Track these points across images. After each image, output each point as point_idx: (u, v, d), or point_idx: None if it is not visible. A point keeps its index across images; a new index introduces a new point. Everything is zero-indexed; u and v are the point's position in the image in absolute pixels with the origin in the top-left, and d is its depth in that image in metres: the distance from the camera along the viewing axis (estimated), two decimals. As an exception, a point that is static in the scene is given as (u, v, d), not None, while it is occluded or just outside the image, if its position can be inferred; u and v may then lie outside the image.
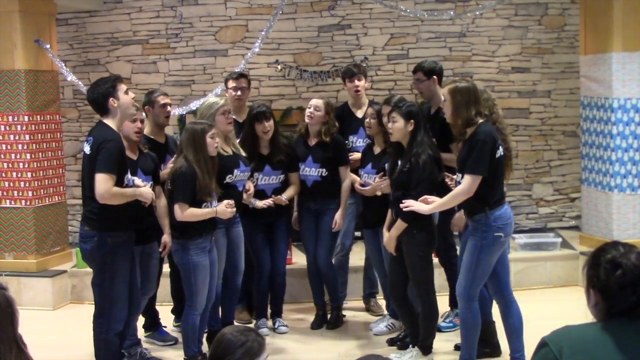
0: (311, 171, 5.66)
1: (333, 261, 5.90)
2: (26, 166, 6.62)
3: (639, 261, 2.15)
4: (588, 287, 2.21)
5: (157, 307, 5.65)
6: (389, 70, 7.65)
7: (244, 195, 5.34)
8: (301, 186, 5.73)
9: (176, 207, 4.75)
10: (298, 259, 6.58)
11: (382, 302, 6.09)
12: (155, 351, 5.37)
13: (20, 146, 6.61)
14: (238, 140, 5.53)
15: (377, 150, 5.46)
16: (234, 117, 5.50)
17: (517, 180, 7.64)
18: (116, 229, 4.47)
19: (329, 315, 5.91)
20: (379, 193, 5.28)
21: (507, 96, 7.65)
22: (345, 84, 6.08)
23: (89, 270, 4.72)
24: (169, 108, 5.56)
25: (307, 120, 5.69)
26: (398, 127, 4.80)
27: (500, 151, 4.45)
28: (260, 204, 5.47)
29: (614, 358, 2.09)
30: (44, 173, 6.76)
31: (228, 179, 5.18)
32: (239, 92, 5.97)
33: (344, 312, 6.00)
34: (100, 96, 4.46)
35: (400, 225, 4.78)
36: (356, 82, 5.92)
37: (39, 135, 6.71)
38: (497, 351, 4.98)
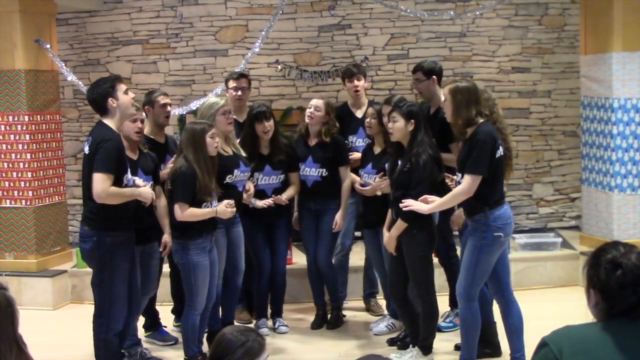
0: (311, 171, 5.66)
1: (333, 261, 5.90)
2: (26, 166, 6.62)
3: (639, 261, 2.15)
4: (588, 287, 2.21)
5: (157, 307, 5.65)
6: (389, 70, 7.65)
7: (244, 195, 5.34)
8: (301, 186, 5.73)
9: (176, 207, 4.75)
10: (298, 259, 6.58)
11: (382, 302, 6.09)
12: (156, 351, 5.37)
13: (20, 146, 6.61)
14: (238, 140, 5.53)
15: (377, 150, 5.46)
16: (234, 117, 5.50)
17: (517, 180, 7.64)
18: (115, 229, 4.47)
19: (329, 315, 5.91)
20: (379, 193, 5.28)
21: (507, 96, 7.65)
22: (344, 84, 6.08)
23: (89, 270, 4.72)
24: (169, 108, 5.56)
25: (307, 120, 5.69)
26: (398, 127, 4.80)
27: (500, 151, 4.45)
28: (261, 203, 5.47)
29: (614, 358, 2.09)
30: (44, 173, 6.76)
31: (228, 179, 5.18)
32: (239, 92, 5.98)
33: (344, 312, 6.00)
34: (99, 96, 4.47)
35: (400, 225, 4.78)
36: (355, 82, 5.92)
37: (39, 135, 6.71)
38: (497, 351, 4.98)
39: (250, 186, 5.40)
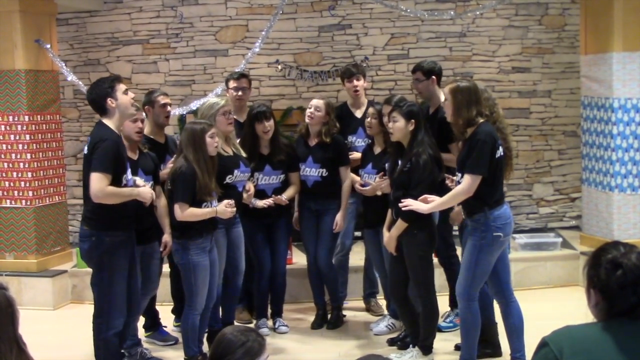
0: (311, 171, 5.66)
1: (333, 261, 5.90)
2: (26, 166, 6.62)
3: (639, 261, 2.15)
4: (588, 287, 2.21)
5: (157, 307, 5.65)
6: (390, 70, 7.65)
7: (244, 196, 5.34)
8: (302, 186, 5.73)
9: (176, 207, 4.75)
10: (298, 259, 6.58)
11: (382, 302, 6.09)
12: (156, 351, 5.37)
13: (20, 146, 6.61)
14: (238, 140, 5.53)
15: (377, 150, 5.46)
16: (234, 117, 5.50)
17: (517, 180, 7.63)
18: (114, 229, 4.46)
19: (329, 315, 5.91)
20: (379, 193, 5.28)
21: (507, 96, 7.65)
22: (344, 84, 6.08)
23: (90, 270, 4.72)
24: (169, 108, 5.56)
25: (307, 120, 5.69)
26: (399, 126, 4.80)
27: (500, 151, 4.45)
28: (261, 203, 5.47)
29: (614, 358, 2.09)
30: (44, 173, 6.76)
31: (228, 179, 5.18)
32: (240, 92, 5.98)
33: (344, 312, 6.00)
34: (98, 97, 4.47)
35: (400, 225, 4.78)
36: (355, 82, 5.92)
37: (40, 135, 6.71)
38: (498, 352, 4.98)
39: (250, 186, 5.40)
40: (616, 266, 2.14)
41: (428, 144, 4.79)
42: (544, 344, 2.17)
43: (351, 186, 5.64)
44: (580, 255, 6.68)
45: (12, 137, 6.61)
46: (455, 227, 5.53)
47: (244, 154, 5.40)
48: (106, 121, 4.47)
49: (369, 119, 5.42)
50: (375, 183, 5.31)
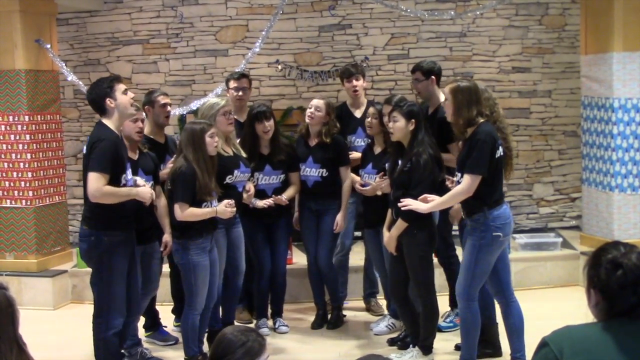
0: (312, 171, 5.66)
1: (333, 261, 5.90)
2: (27, 166, 6.62)
3: (639, 261, 2.15)
4: (589, 287, 2.21)
5: (157, 307, 5.65)
6: (390, 70, 7.65)
7: (244, 196, 5.34)
8: (302, 186, 5.73)
9: (176, 207, 4.75)
10: (298, 258, 6.58)
11: (382, 302, 6.09)
12: (156, 351, 5.38)
13: (20, 146, 6.61)
14: (238, 140, 5.53)
15: (377, 150, 5.46)
16: (235, 117, 5.50)
17: (517, 180, 7.63)
18: (113, 229, 4.46)
19: (329, 315, 5.91)
20: (379, 193, 5.28)
21: (507, 96, 7.65)
22: (343, 84, 6.08)
23: (90, 270, 4.71)
24: (169, 108, 5.56)
25: (307, 120, 5.69)
26: (399, 126, 4.80)
27: (500, 151, 4.45)
28: (261, 203, 5.47)
29: (614, 358, 2.08)
30: (44, 173, 6.76)
31: (228, 179, 5.18)
32: (240, 93, 5.98)
33: (344, 312, 6.00)
34: (97, 97, 4.47)
35: (400, 225, 4.78)
36: (354, 82, 5.92)
37: (40, 135, 6.71)
38: (498, 352, 4.98)
39: (250, 186, 5.40)
40: (616, 266, 2.14)
41: (428, 144, 4.79)
42: (544, 344, 2.16)
43: (351, 186, 5.64)
44: (581, 255, 6.68)
45: (12, 137, 6.61)
46: (455, 227, 5.53)
47: (244, 154, 5.40)
48: (106, 121, 4.47)
49: (369, 119, 5.41)
50: (375, 183, 5.30)
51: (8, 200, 6.68)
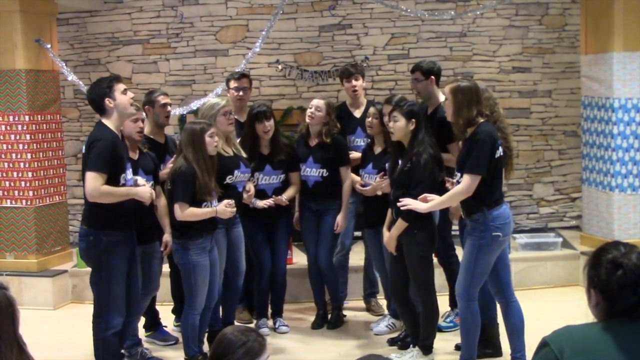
0: (312, 172, 5.66)
1: (333, 261, 5.90)
2: (27, 166, 6.62)
3: (639, 261, 2.15)
4: (589, 287, 2.21)
5: (157, 307, 5.66)
6: (390, 70, 7.65)
7: (245, 196, 5.34)
8: (302, 186, 5.73)
9: (176, 207, 4.75)
10: (298, 258, 6.58)
11: (382, 302, 6.09)
12: (156, 351, 5.38)
13: (21, 146, 6.61)
14: (238, 140, 5.53)
15: (377, 150, 5.46)
16: (235, 117, 5.50)
17: (517, 180, 7.63)
18: (112, 228, 4.46)
19: (329, 315, 5.91)
20: (379, 193, 5.28)
21: (507, 96, 7.65)
22: (342, 84, 6.09)
23: (90, 269, 4.71)
24: (169, 108, 5.57)
25: (308, 120, 5.70)
26: (399, 126, 4.80)
27: (500, 151, 4.45)
28: (261, 204, 5.47)
29: (614, 358, 2.08)
30: (44, 173, 6.76)
31: (228, 179, 5.18)
32: (240, 93, 5.98)
33: (344, 312, 6.00)
34: (97, 97, 4.48)
35: (400, 224, 4.78)
36: (353, 82, 5.92)
37: (40, 135, 6.71)
38: (498, 352, 4.98)
39: (250, 187, 5.40)
40: (616, 266, 2.14)
41: (429, 144, 4.79)
42: (544, 344, 2.16)
43: (352, 186, 5.64)
44: (581, 255, 6.68)
45: (12, 137, 6.61)
46: (455, 227, 5.53)
47: (244, 155, 5.40)
48: (105, 121, 4.48)
49: (369, 119, 5.41)
50: (375, 183, 5.30)
51: (8, 200, 6.68)
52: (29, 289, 6.54)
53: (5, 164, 6.65)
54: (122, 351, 4.90)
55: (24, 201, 6.65)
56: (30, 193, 6.63)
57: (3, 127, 6.62)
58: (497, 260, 4.53)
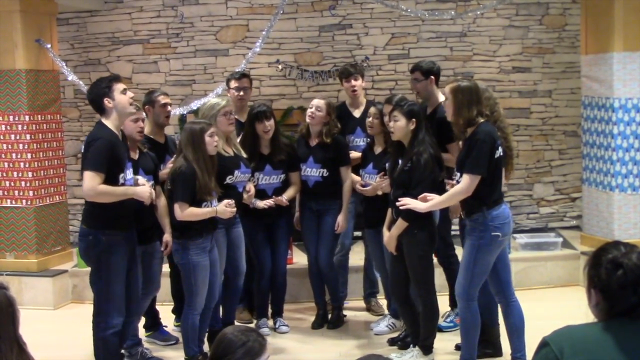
0: (312, 172, 5.66)
1: (333, 261, 5.90)
2: (27, 166, 6.62)
3: (640, 261, 2.16)
4: (589, 287, 2.21)
5: (158, 307, 5.66)
6: (390, 70, 7.65)
7: (245, 196, 5.34)
8: (302, 186, 5.73)
9: (176, 207, 4.75)
10: (299, 258, 6.58)
11: (382, 302, 6.09)
12: (157, 351, 5.38)
13: (21, 146, 6.61)
14: (238, 140, 5.53)
15: (377, 150, 5.46)
16: (236, 117, 5.50)
17: (518, 180, 7.63)
18: (111, 228, 4.45)
19: (329, 315, 5.91)
20: (379, 192, 5.28)
21: (508, 96, 7.65)
22: (342, 84, 6.09)
23: (90, 269, 4.71)
24: (169, 108, 5.57)
25: (308, 120, 5.70)
26: (399, 125, 4.80)
27: (499, 151, 4.45)
28: (261, 204, 5.47)
29: (615, 358, 2.08)
30: (44, 173, 6.76)
31: (228, 179, 5.18)
32: (241, 92, 5.98)
33: (344, 312, 6.00)
34: (96, 97, 4.48)
35: (401, 224, 4.78)
36: (353, 82, 5.92)
37: (40, 134, 6.71)
38: (498, 352, 4.98)
39: (250, 187, 5.40)
40: (617, 266, 2.14)
41: (429, 143, 4.79)
42: (544, 344, 2.16)
43: (352, 186, 5.64)
44: (581, 255, 6.68)
45: (12, 136, 6.61)
46: (455, 227, 5.53)
47: (244, 155, 5.40)
48: (105, 121, 4.48)
49: (370, 119, 5.41)
50: (375, 183, 5.30)
51: (8, 200, 6.68)
52: (29, 289, 6.55)
53: (6, 164, 6.65)
54: (122, 351, 4.90)
55: (24, 201, 6.65)
56: (31, 193, 6.63)
57: (3, 127, 6.62)
58: (497, 260, 4.53)
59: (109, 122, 4.47)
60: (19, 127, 6.59)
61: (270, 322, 5.81)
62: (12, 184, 6.65)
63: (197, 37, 7.65)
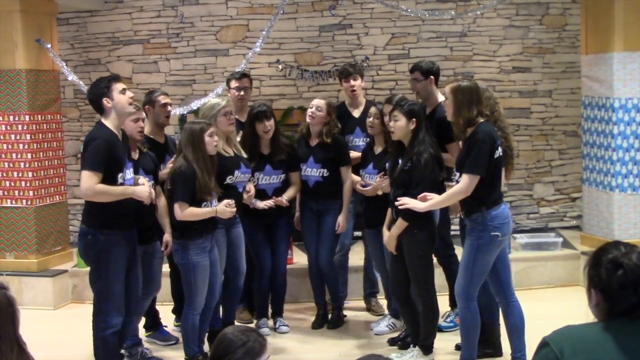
0: (312, 171, 5.66)
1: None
2: (27, 166, 6.62)
3: (640, 261, 2.16)
4: (589, 287, 2.21)
5: (158, 307, 5.66)
6: (390, 70, 7.64)
7: (245, 196, 5.34)
8: (303, 186, 5.73)
9: (176, 207, 4.75)
10: (299, 258, 6.58)
11: (383, 302, 6.09)
12: (157, 351, 5.38)
13: (21, 146, 6.61)
14: (239, 139, 5.53)
15: (378, 150, 5.46)
16: (236, 117, 5.50)
17: (518, 180, 7.63)
18: (110, 227, 4.45)
19: (329, 315, 5.91)
20: (380, 192, 5.28)
21: (508, 96, 7.64)
22: (341, 84, 6.09)
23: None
24: (169, 108, 5.56)
25: (308, 120, 5.70)
26: (400, 125, 4.80)
27: (499, 151, 4.45)
28: (261, 205, 5.47)
29: (615, 358, 2.08)
30: (45, 173, 6.76)
31: (229, 179, 5.18)
32: (241, 92, 5.98)
33: (344, 312, 6.00)
34: (95, 96, 4.49)
35: (401, 224, 4.78)
36: (352, 82, 5.92)
37: (40, 134, 6.71)
38: (498, 352, 4.98)
39: (250, 187, 5.40)
40: (617, 266, 2.14)
41: (429, 143, 4.79)
42: (544, 344, 2.16)
43: (352, 186, 5.63)
44: (581, 255, 6.68)
45: (12, 136, 6.61)
46: (455, 227, 5.53)
47: (245, 155, 5.40)
48: (105, 121, 4.48)
49: (371, 119, 5.41)
50: (376, 183, 5.30)
51: (8, 200, 6.68)
52: (29, 288, 6.55)
53: (6, 164, 6.65)
54: (122, 351, 4.91)
55: (24, 201, 6.65)
56: (31, 193, 6.63)
57: (3, 127, 6.62)
58: (497, 260, 4.53)
59: (109, 122, 4.47)
60: (19, 127, 6.59)
61: (271, 322, 5.81)
62: (12, 184, 6.65)
63: (197, 37, 7.65)
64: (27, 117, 6.58)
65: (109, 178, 4.38)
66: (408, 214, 4.67)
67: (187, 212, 4.74)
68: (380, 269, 5.65)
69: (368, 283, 6.23)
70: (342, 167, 5.66)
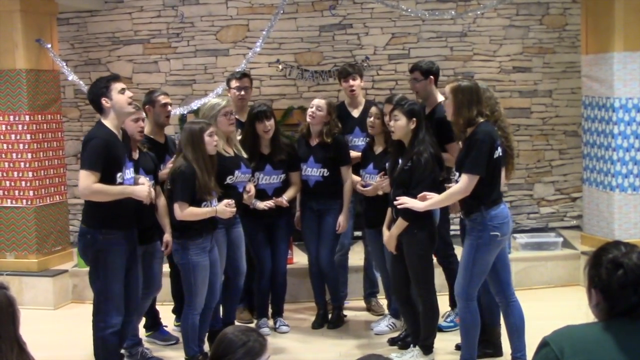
0: (313, 171, 5.66)
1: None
2: (27, 166, 6.62)
3: (640, 261, 2.15)
4: (589, 287, 2.21)
5: (158, 307, 5.66)
6: (390, 69, 7.64)
7: (245, 196, 5.34)
8: (303, 186, 5.73)
9: (176, 206, 4.75)
10: (299, 258, 6.58)
11: (383, 302, 6.09)
12: (157, 351, 5.38)
13: (21, 146, 6.61)
14: (239, 139, 5.53)
15: (378, 149, 5.45)
16: (236, 117, 5.50)
17: (518, 179, 7.63)
18: (109, 227, 4.45)
19: (330, 315, 5.91)
20: (380, 192, 5.28)
21: (508, 96, 7.65)
22: (340, 84, 6.09)
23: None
24: (169, 108, 5.56)
25: (309, 120, 5.69)
26: (400, 125, 4.80)
27: (498, 151, 4.44)
28: (262, 205, 5.47)
29: (615, 358, 2.08)
30: (45, 172, 6.76)
31: (229, 179, 5.18)
32: (242, 92, 5.98)
33: (345, 312, 6.00)
34: (94, 96, 4.49)
35: (401, 224, 4.78)
36: (351, 82, 5.92)
37: (40, 134, 6.71)
38: (498, 352, 4.98)
39: (250, 187, 5.40)
40: (617, 266, 2.14)
41: (429, 143, 4.79)
42: (544, 344, 2.16)
43: (352, 186, 5.63)
44: (581, 255, 6.68)
45: (13, 136, 6.62)
46: (455, 227, 5.52)
47: (245, 155, 5.40)
48: (104, 120, 4.49)
49: (371, 119, 5.40)
50: (376, 183, 5.30)
51: (9, 200, 6.68)
52: (30, 288, 6.55)
53: (6, 164, 6.65)
54: (122, 351, 4.91)
55: (24, 201, 6.65)
56: (31, 193, 6.64)
57: (3, 127, 6.62)
58: (496, 260, 4.53)
59: (108, 122, 4.47)
60: (19, 127, 6.59)
61: (271, 322, 5.81)
62: (13, 183, 6.66)
63: (197, 37, 7.65)
64: (27, 117, 6.58)
65: (108, 177, 4.38)
66: (408, 213, 4.67)
67: (187, 212, 4.74)
68: (380, 268, 5.65)
69: (368, 283, 6.23)
70: (343, 167, 5.66)
